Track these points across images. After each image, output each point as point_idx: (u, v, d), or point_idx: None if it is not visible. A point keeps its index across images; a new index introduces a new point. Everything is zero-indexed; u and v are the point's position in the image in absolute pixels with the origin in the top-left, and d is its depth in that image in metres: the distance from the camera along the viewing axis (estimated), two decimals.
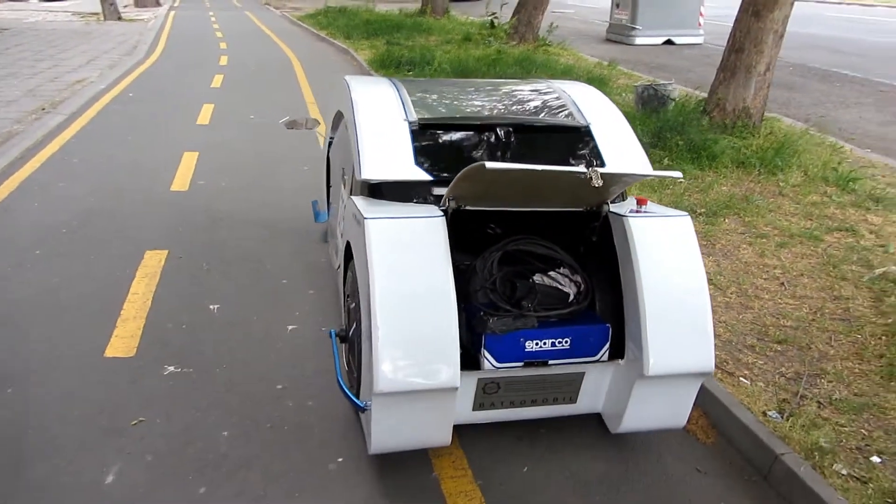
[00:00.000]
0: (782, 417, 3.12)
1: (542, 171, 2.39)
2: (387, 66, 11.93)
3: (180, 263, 4.73)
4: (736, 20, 7.14)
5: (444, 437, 2.71)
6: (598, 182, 2.32)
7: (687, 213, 2.89)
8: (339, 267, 3.70)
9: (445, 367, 2.49)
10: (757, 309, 4.07)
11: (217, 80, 11.58)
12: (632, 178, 3.05)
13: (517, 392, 2.85)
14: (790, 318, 3.97)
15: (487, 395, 2.82)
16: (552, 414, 2.99)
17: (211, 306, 4.16)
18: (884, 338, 3.77)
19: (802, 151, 6.69)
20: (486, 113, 3.59)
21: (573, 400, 2.95)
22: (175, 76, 12.07)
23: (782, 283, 4.37)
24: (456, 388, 2.52)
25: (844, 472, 2.82)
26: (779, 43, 7.02)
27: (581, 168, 2.37)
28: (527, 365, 2.75)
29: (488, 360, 2.71)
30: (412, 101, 3.42)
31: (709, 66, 12.40)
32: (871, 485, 2.76)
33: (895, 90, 11.14)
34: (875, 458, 2.91)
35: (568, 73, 11.04)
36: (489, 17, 15.73)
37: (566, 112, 3.49)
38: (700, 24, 16.59)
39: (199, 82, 11.41)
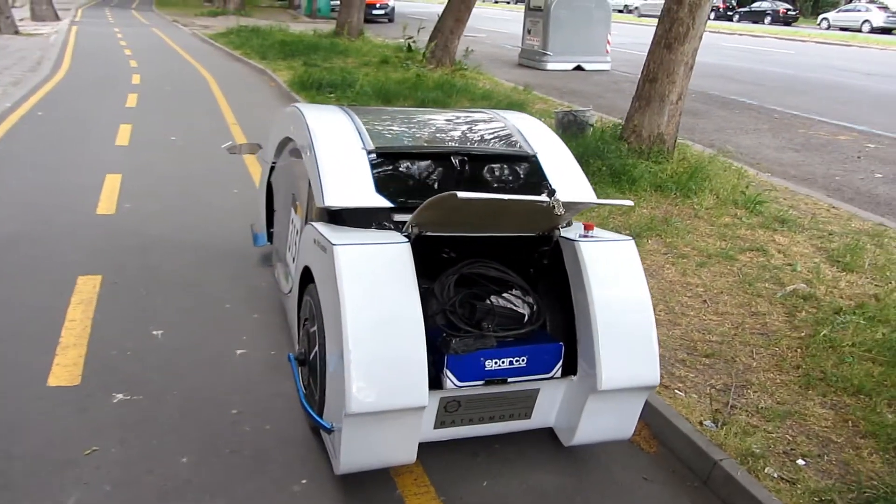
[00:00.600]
0: (717, 426, 3.37)
1: (509, 200, 2.54)
2: (307, 87, 11.93)
3: (116, 289, 4.63)
4: (649, 52, 7.56)
5: (409, 455, 2.80)
6: (560, 210, 2.50)
7: (631, 238, 3.11)
8: (290, 291, 3.73)
9: (414, 387, 2.60)
10: (684, 325, 4.35)
11: (132, 100, 11.29)
12: (585, 205, 3.25)
13: (476, 409, 2.97)
14: (715, 333, 4.27)
15: (449, 413, 2.94)
16: (508, 430, 3.13)
17: (154, 332, 4.11)
18: (799, 350, 4.11)
19: (713, 176, 7.14)
20: (439, 142, 3.73)
21: (528, 416, 3.10)
22: (86, 95, 11.68)
23: (705, 301, 4.68)
24: (424, 408, 2.63)
25: (775, 474, 3.07)
26: (689, 74, 7.49)
27: (544, 197, 2.53)
28: (487, 383, 2.88)
29: (450, 380, 2.82)
30: (367, 129, 3.52)
31: (617, 93, 13.05)
32: (799, 485, 3.02)
33: (787, 117, 12.00)
34: (800, 461, 3.18)
35: (487, 98, 11.36)
36: (406, 41, 15.94)
37: (513, 141, 3.66)
38: (608, 52, 17.37)
39: (113, 102, 11.08)
